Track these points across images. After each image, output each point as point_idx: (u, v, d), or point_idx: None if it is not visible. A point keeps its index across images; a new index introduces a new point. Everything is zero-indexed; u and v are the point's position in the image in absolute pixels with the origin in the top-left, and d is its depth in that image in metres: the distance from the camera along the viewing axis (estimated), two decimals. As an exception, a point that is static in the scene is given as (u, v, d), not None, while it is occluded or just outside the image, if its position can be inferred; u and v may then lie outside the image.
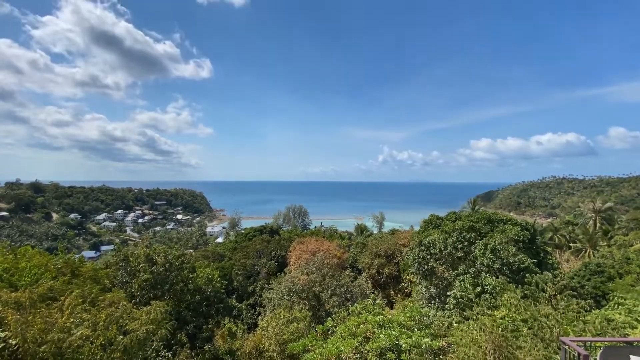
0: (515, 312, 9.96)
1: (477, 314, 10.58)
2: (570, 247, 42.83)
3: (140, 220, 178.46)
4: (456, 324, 11.60)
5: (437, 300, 18.48)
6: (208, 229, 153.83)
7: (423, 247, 19.36)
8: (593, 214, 52.72)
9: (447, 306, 15.88)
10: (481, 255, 16.49)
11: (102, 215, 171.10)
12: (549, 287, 11.55)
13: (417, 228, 36.79)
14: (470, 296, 14.31)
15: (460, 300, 14.68)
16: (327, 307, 18.99)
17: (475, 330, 8.80)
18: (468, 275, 16.10)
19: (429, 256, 18.94)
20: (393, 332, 8.38)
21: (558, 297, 11.06)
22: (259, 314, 23.14)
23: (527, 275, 14.00)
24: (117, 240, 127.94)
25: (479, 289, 14.73)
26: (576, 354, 5.60)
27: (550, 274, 12.85)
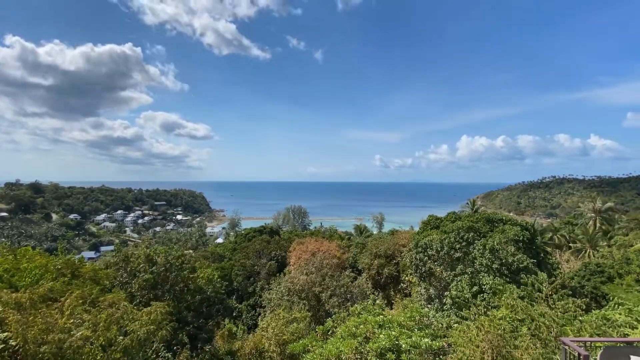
0: (512, 312, 9.98)
1: (475, 314, 10.60)
2: (570, 247, 42.85)
3: (140, 221, 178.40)
4: (455, 324, 11.62)
5: (437, 301, 18.49)
6: (208, 230, 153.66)
7: (420, 249, 19.36)
8: (593, 214, 52.71)
9: (444, 307, 15.90)
10: (480, 255, 16.51)
11: (102, 216, 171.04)
12: (545, 287, 11.58)
13: (417, 228, 36.80)
14: (467, 296, 14.32)
15: (456, 300, 14.70)
16: (327, 308, 18.99)
17: (474, 330, 8.82)
18: (465, 276, 16.12)
19: (426, 257, 18.94)
20: (393, 333, 8.40)
21: (554, 296, 11.07)
22: (259, 314, 23.16)
23: (523, 275, 14.02)
24: (117, 241, 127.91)
25: (476, 288, 14.74)
26: (576, 354, 5.61)
27: (545, 274, 12.88)
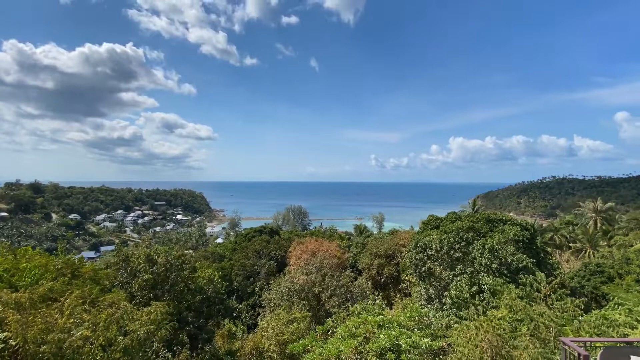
0: (512, 312, 9.98)
1: (475, 314, 10.60)
2: (570, 247, 42.84)
3: (140, 221, 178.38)
4: (455, 324, 11.61)
5: (437, 300, 18.49)
6: (208, 230, 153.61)
7: (420, 249, 19.36)
8: (593, 214, 52.72)
9: (444, 307, 15.89)
10: (479, 255, 16.50)
11: (102, 216, 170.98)
12: (543, 286, 11.57)
13: (416, 228, 36.80)
14: (466, 296, 14.31)
15: (456, 300, 14.70)
16: (327, 308, 18.99)
17: (473, 330, 8.81)
18: (465, 275, 16.11)
19: (425, 257, 18.94)
20: (393, 333, 8.39)
21: (553, 296, 11.06)
22: (259, 314, 23.15)
23: (521, 275, 14.02)
24: (117, 241, 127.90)
25: (475, 288, 14.73)
26: (576, 354, 5.61)
27: (543, 274, 12.87)
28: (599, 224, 50.32)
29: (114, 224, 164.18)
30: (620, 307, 10.94)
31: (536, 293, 11.51)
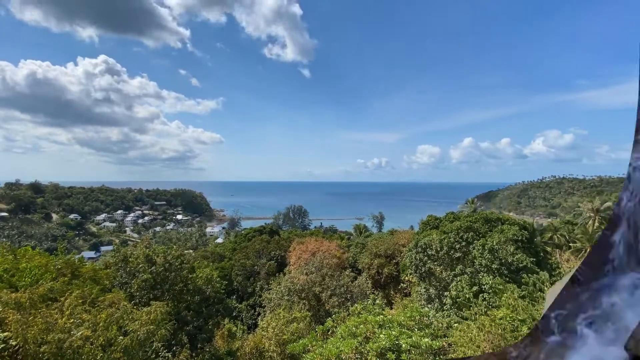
0: (513, 312, 9.97)
1: (476, 314, 10.59)
2: (570, 247, 42.83)
3: (140, 221, 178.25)
4: (456, 324, 11.61)
5: (437, 300, 18.49)
6: (208, 230, 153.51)
7: (420, 249, 19.36)
8: (592, 214, 52.71)
9: (445, 307, 15.88)
10: (479, 255, 16.49)
11: (102, 216, 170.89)
12: (546, 286, 11.55)
13: (416, 228, 36.79)
14: (467, 296, 14.31)
15: (456, 300, 14.69)
16: (327, 307, 19.00)
17: (474, 330, 8.81)
18: (465, 275, 16.10)
19: (426, 257, 18.93)
20: (393, 332, 8.39)
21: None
22: (259, 314, 23.16)
23: (524, 275, 14.00)
24: (117, 241, 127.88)
25: (476, 288, 14.73)
26: None
27: (547, 274, 12.84)
28: (597, 224, 50.31)
29: (114, 224, 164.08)
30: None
31: (539, 293, 11.49)
